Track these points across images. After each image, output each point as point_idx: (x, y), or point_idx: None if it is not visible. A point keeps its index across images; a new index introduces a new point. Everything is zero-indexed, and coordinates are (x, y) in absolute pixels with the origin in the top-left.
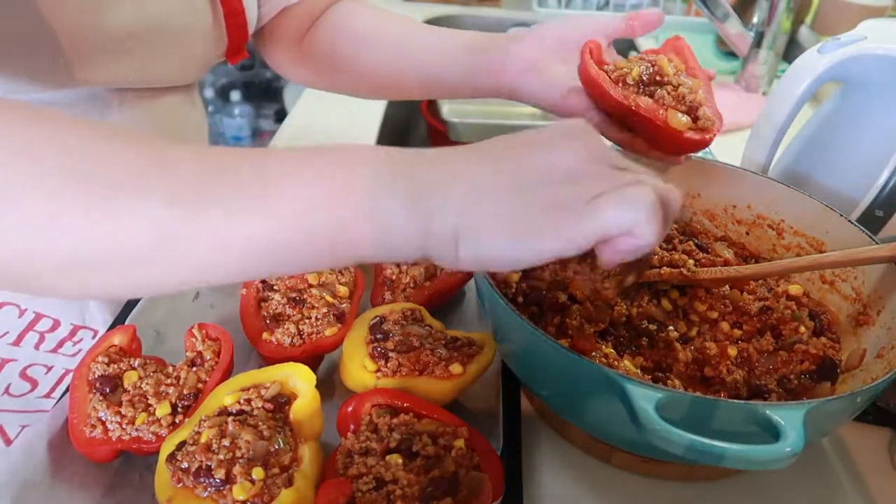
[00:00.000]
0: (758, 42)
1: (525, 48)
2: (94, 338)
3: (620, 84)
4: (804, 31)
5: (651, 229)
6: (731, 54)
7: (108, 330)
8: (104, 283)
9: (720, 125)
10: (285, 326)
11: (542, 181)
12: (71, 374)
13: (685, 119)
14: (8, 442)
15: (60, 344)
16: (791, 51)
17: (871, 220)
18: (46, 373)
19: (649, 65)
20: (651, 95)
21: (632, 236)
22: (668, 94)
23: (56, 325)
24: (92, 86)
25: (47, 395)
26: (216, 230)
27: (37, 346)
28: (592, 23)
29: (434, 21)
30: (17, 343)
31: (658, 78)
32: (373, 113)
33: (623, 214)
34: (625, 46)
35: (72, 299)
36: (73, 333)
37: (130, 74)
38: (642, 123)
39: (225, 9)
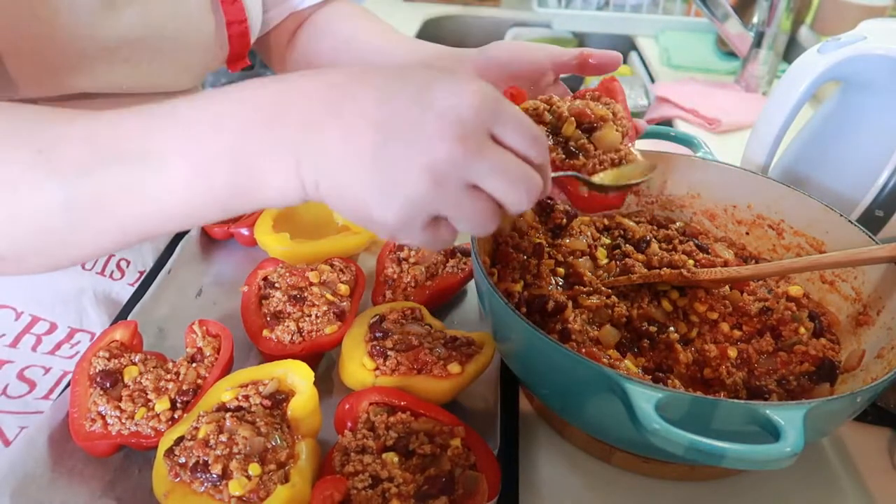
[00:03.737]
0: (758, 42)
1: (467, 71)
2: (91, 341)
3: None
4: (804, 31)
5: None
6: (731, 54)
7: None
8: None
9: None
10: (285, 324)
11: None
12: (69, 376)
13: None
14: (7, 444)
15: (58, 346)
16: (791, 51)
17: (871, 220)
18: (44, 374)
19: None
20: (570, 152)
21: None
22: (590, 157)
23: (53, 328)
24: (83, 90)
25: (45, 397)
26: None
27: (34, 349)
28: (543, 54)
29: (434, 21)
30: (13, 345)
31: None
32: None
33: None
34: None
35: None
36: (70, 336)
37: (125, 81)
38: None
39: (227, 17)
